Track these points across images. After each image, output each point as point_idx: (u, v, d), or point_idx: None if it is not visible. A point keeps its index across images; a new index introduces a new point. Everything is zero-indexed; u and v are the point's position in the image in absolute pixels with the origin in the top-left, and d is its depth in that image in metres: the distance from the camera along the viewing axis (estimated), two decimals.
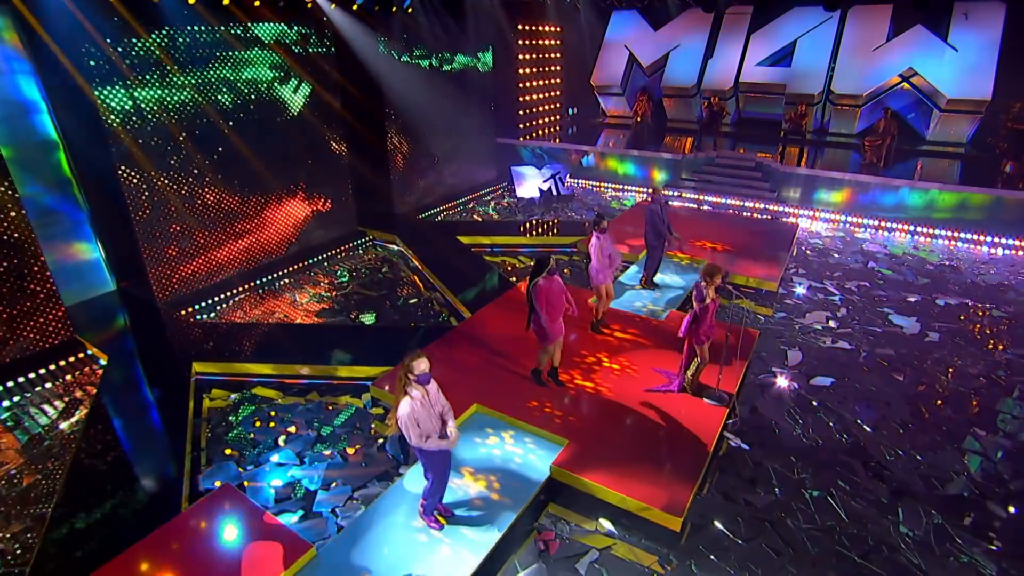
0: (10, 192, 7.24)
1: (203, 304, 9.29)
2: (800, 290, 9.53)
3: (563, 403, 6.20)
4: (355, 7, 10.74)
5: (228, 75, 9.42)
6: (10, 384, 7.07)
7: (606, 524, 5.03)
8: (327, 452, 5.96)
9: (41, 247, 8.33)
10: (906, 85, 14.10)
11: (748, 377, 7.07)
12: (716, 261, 9.84)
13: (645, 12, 17.23)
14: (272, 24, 9.94)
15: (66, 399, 6.91)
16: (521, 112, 17.39)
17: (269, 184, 10.47)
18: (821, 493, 5.37)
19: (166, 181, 8.96)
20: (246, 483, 5.55)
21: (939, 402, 6.67)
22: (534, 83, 17.58)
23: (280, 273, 10.39)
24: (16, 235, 7.34)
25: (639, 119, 15.49)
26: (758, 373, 7.22)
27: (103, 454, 5.83)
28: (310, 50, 10.65)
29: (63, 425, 6.44)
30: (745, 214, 13.06)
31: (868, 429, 6.22)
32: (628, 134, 16.89)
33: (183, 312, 8.98)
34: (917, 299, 9.16)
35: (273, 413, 6.62)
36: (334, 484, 5.52)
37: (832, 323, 8.42)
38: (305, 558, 4.45)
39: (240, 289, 9.80)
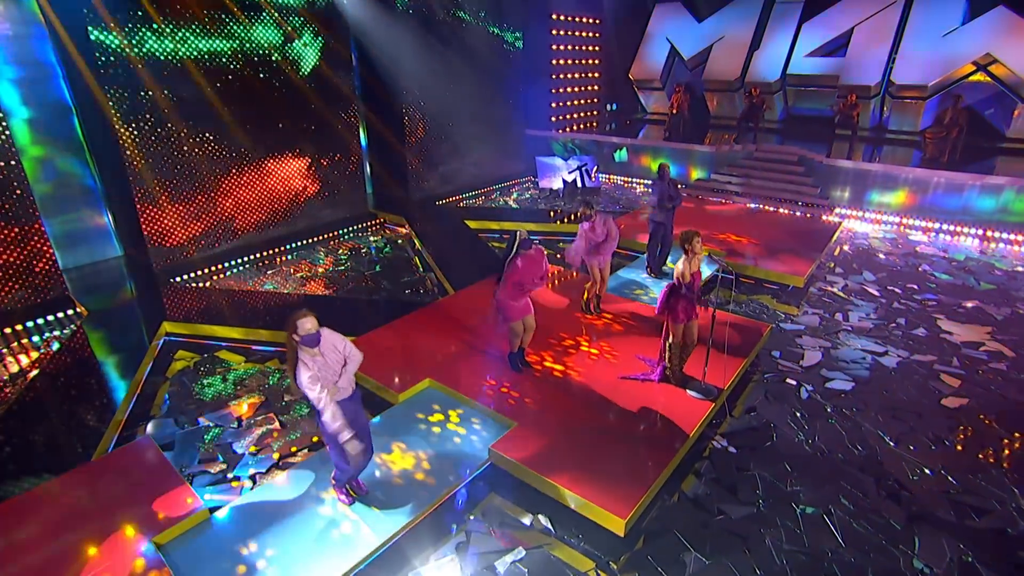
0: (8, 146, 7.32)
1: (201, 272, 9.21)
2: (834, 289, 8.39)
3: (523, 385, 5.51)
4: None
5: (234, 44, 9.37)
6: None
7: (544, 520, 4.30)
8: (269, 416, 5.54)
9: (42, 208, 8.56)
10: (982, 75, 12.51)
11: (752, 376, 6.13)
12: (741, 256, 8.92)
13: (689, 4, 16.34)
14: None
15: (36, 350, 6.87)
16: (554, 104, 16.84)
17: (277, 159, 10.36)
18: (816, 510, 4.41)
19: (168, 149, 8.95)
20: (176, 441, 5.20)
21: (987, 419, 5.50)
22: (569, 75, 17.00)
23: (284, 248, 10.25)
24: (17, 191, 7.41)
25: (675, 111, 14.56)
26: (766, 371, 6.26)
27: (36, 401, 5.65)
28: (324, 27, 10.50)
29: (13, 370, 6.37)
30: (782, 211, 11.87)
31: (890, 442, 5.17)
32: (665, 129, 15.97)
33: (178, 279, 8.90)
34: (976, 306, 7.84)
35: (228, 377, 6.28)
36: (260, 450, 5.07)
37: (866, 324, 7.29)
38: (194, 520, 3.99)
39: (241, 260, 9.69)
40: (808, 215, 11.63)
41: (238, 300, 8.00)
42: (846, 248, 10.16)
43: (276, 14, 9.75)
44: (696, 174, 13.85)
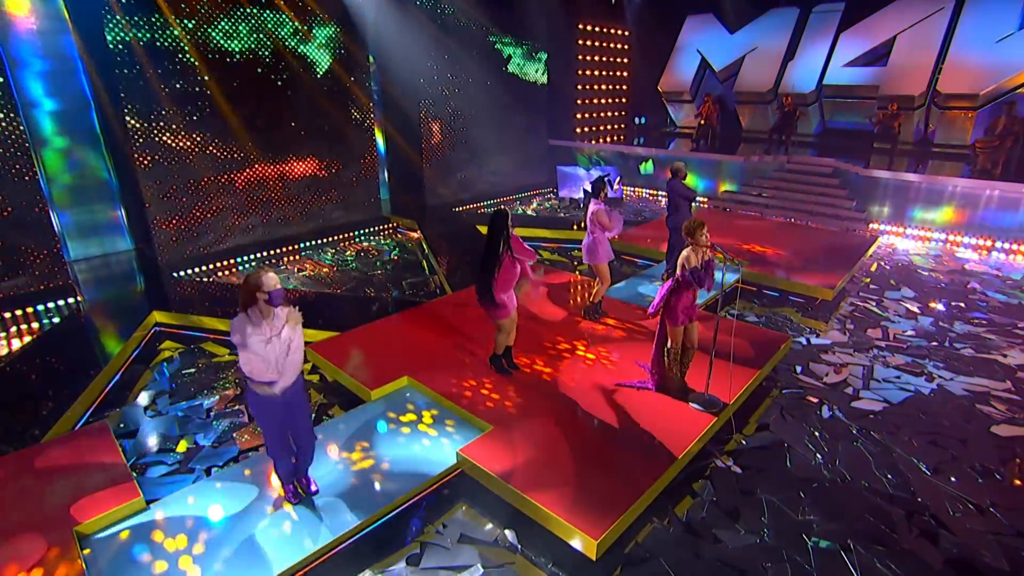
0: (25, 135, 7.42)
1: (206, 267, 9.12)
2: (868, 305, 7.64)
3: (507, 388, 5.04)
4: None
5: (249, 43, 9.39)
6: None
7: (510, 536, 3.79)
8: (240, 409, 5.22)
9: (58, 199, 8.68)
10: None
11: (769, 391, 5.50)
12: (764, 266, 8.28)
13: (722, 15, 15.90)
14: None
15: (30, 334, 6.81)
16: (579, 115, 16.55)
17: (289, 159, 10.28)
18: (832, 545, 3.76)
19: (177, 145, 8.95)
20: (141, 429, 4.92)
21: None
22: (596, 86, 16.71)
23: (293, 247, 10.13)
24: (28, 182, 7.49)
25: (704, 122, 14.02)
26: (784, 386, 5.61)
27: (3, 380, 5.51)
28: (342, 30, 10.49)
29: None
30: (814, 225, 11.12)
31: (926, 471, 4.46)
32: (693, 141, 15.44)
33: (181, 273, 8.82)
34: None
35: (207, 368, 6.03)
36: (223, 443, 4.74)
37: (903, 342, 6.54)
38: (127, 510, 3.65)
39: (248, 257, 9.59)
40: (843, 229, 10.84)
41: (233, 294, 7.82)
42: (884, 264, 9.36)
43: (293, 14, 9.77)
44: (725, 186, 13.23)
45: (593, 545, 3.36)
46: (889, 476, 4.40)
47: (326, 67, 10.41)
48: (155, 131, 8.64)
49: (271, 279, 3.20)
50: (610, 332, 6.19)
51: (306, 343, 6.08)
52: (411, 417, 4.74)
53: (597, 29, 16.16)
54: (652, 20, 16.41)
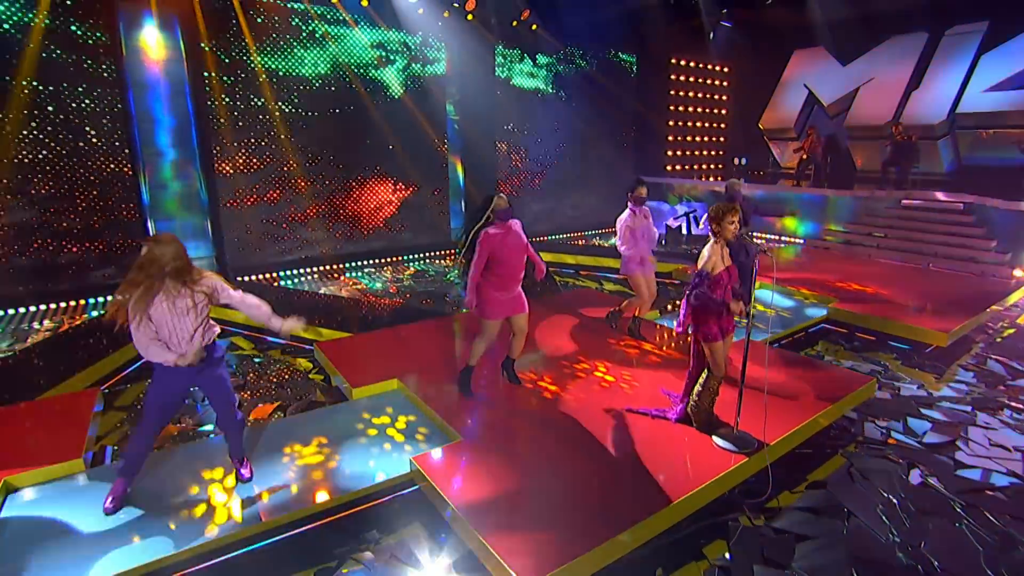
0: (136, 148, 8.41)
1: (268, 275, 9.56)
2: (998, 357, 5.97)
3: (497, 401, 4.37)
4: (470, 17, 10.81)
5: (333, 68, 9.99)
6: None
7: (446, 563, 3.07)
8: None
9: (159, 205, 9.62)
10: None
11: (838, 442, 4.29)
12: (858, 303, 6.89)
13: (835, 47, 14.53)
14: (382, 30, 10.40)
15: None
16: (671, 152, 15.80)
17: (361, 180, 10.63)
18: None
19: (252, 162, 9.56)
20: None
21: None
22: (691, 123, 15.94)
23: (357, 264, 10.34)
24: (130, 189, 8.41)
25: (804, 156, 12.60)
26: (860, 438, 4.36)
27: (48, 346, 5.86)
28: (420, 55, 10.91)
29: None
30: (935, 267, 9.25)
31: None
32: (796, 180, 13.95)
33: (245, 278, 9.28)
34: None
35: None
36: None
37: None
38: (63, 470, 3.51)
39: (309, 269, 9.92)
40: (978, 273, 8.88)
41: (279, 297, 7.99)
42: None
43: (370, 42, 10.31)
44: (831, 226, 11.65)
45: None
46: (1005, 574, 3.07)
47: (402, 93, 10.80)
48: (234, 148, 9.34)
49: (167, 250, 2.93)
50: (643, 356, 5.30)
51: (315, 342, 5.95)
52: (385, 420, 4.23)
53: (692, 64, 15.54)
54: (755, 55, 15.46)
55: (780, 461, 3.84)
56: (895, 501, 3.65)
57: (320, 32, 9.75)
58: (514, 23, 11.64)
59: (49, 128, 7.72)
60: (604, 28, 12.84)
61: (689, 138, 16.10)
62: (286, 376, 5.60)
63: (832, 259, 9.96)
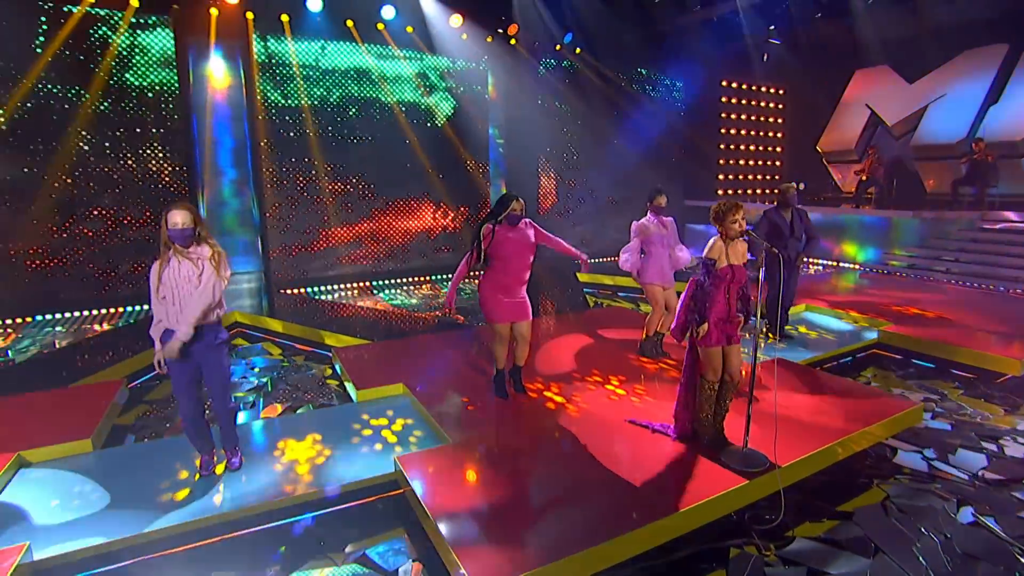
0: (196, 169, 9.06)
1: (308, 289, 9.92)
2: None
3: (498, 410, 4.22)
4: (512, 41, 11.05)
5: (375, 91, 10.42)
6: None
7: (412, 571, 2.91)
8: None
9: (217, 221, 10.24)
10: None
11: (874, 470, 3.84)
12: (922, 328, 6.27)
13: (899, 66, 13.76)
14: (425, 56, 10.78)
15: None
16: (722, 176, 15.34)
17: (401, 201, 10.91)
18: None
19: (297, 182, 10.03)
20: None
21: None
22: (743, 146, 15.46)
23: (396, 281, 10.55)
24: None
25: (864, 178, 11.83)
26: (903, 469, 3.87)
27: (102, 338, 6.25)
28: (463, 80, 11.21)
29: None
30: (1014, 293, 8.30)
31: None
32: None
33: (286, 291, 9.66)
34: None
35: (248, 363, 6.23)
36: None
37: None
38: (71, 449, 3.67)
39: (348, 284, 10.22)
40: None
41: (310, 306, 8.23)
42: None
43: (417, 68, 10.71)
44: (896, 251, 10.82)
45: None
46: None
47: (444, 118, 11.10)
48: (282, 170, 9.85)
49: (175, 216, 3.08)
50: (662, 372, 5.01)
51: (334, 347, 6.04)
52: (383, 421, 4.18)
53: (744, 86, 15.15)
54: (812, 76, 14.88)
55: (806, 489, 3.48)
56: (937, 540, 3.18)
57: (365, 63, 10.23)
58: (557, 47, 11.80)
59: (117, 146, 8.44)
60: (650, 50, 12.79)
61: (742, 162, 15.60)
62: (305, 381, 5.68)
63: (892, 283, 9.19)
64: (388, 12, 9.59)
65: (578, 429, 3.87)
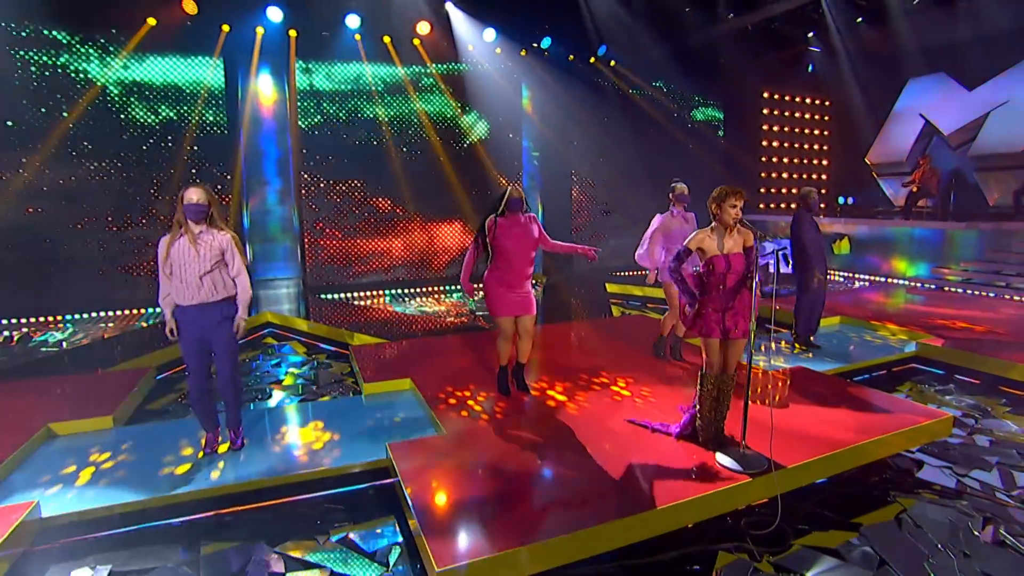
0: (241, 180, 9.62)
1: (341, 295, 10.23)
2: None
3: (496, 405, 4.22)
4: (546, 54, 11.20)
5: (409, 105, 10.75)
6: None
7: (396, 552, 2.92)
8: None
9: (258, 229, 10.77)
10: None
11: (883, 479, 3.59)
12: (975, 344, 5.84)
13: (957, 72, 13.05)
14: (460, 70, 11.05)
15: None
16: (763, 190, 14.92)
17: (434, 215, 11.16)
18: None
19: (333, 195, 10.42)
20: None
21: None
22: (786, 159, 15.01)
23: (428, 289, 10.75)
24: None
25: (915, 189, 11.21)
26: (939, 487, 3.61)
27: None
28: (497, 94, 11.41)
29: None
30: None
31: None
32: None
33: (320, 296, 10.01)
34: None
35: (274, 360, 6.47)
36: None
37: None
38: (94, 424, 3.92)
39: (379, 292, 10.49)
40: None
41: (340, 309, 8.48)
42: None
43: (451, 92, 10.95)
44: (952, 265, 10.18)
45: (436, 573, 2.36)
46: None
47: (478, 132, 11.33)
48: (318, 181, 10.26)
49: (191, 193, 3.28)
50: (676, 374, 4.88)
51: (352, 345, 6.18)
52: (385, 411, 4.25)
53: (787, 98, 14.76)
54: (860, 86, 14.33)
55: (816, 499, 3.31)
56: (952, 557, 2.94)
57: (399, 78, 10.59)
58: (591, 59, 11.88)
59: (170, 155, 9.05)
60: (686, 61, 12.64)
61: (785, 175, 15.13)
62: (324, 377, 5.84)
63: (942, 298, 8.62)
64: (423, 28, 9.94)
65: (574, 425, 3.81)
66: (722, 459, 3.26)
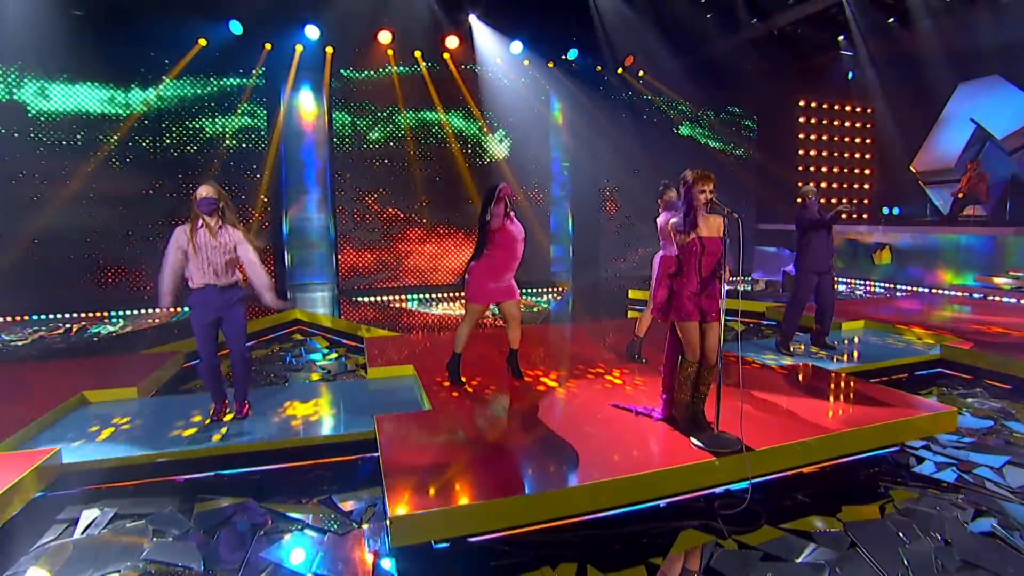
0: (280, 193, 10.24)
1: (368, 299, 10.62)
2: None
3: (488, 388, 4.34)
4: (573, 65, 11.40)
5: (437, 118, 11.12)
6: None
7: (378, 522, 3.08)
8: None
9: (297, 235, 11.34)
10: None
11: (876, 472, 3.50)
12: (1009, 349, 5.54)
13: (1012, 75, 12.38)
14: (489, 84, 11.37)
15: None
16: (799, 200, 14.45)
17: (460, 225, 11.47)
18: None
19: (364, 205, 10.86)
20: None
21: None
22: (825, 168, 14.58)
23: (455, 295, 11.00)
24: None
25: (963, 195, 10.67)
26: (947, 484, 3.48)
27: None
28: (526, 106, 11.68)
29: None
30: None
31: None
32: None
33: (353, 298, 10.45)
34: None
35: (298, 352, 6.82)
36: None
37: None
38: (121, 394, 4.29)
39: (406, 296, 10.85)
40: None
41: (367, 309, 8.84)
42: None
43: (481, 114, 11.27)
44: (1003, 273, 9.64)
45: (393, 515, 2.50)
46: None
47: (506, 145, 11.60)
48: (350, 193, 10.75)
49: (201, 189, 3.63)
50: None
51: (366, 338, 6.43)
52: (384, 392, 4.46)
53: (825, 106, 14.38)
54: (904, 92, 13.82)
55: (801, 487, 3.29)
56: (933, 547, 2.83)
57: (428, 91, 11.01)
58: (619, 70, 12.00)
59: (213, 167, 9.73)
60: (718, 70, 12.55)
61: (823, 184, 14.64)
62: (339, 366, 6.13)
63: (986, 307, 8.16)
64: (452, 42, 10.35)
65: (558, 407, 3.90)
66: (695, 440, 3.27)
